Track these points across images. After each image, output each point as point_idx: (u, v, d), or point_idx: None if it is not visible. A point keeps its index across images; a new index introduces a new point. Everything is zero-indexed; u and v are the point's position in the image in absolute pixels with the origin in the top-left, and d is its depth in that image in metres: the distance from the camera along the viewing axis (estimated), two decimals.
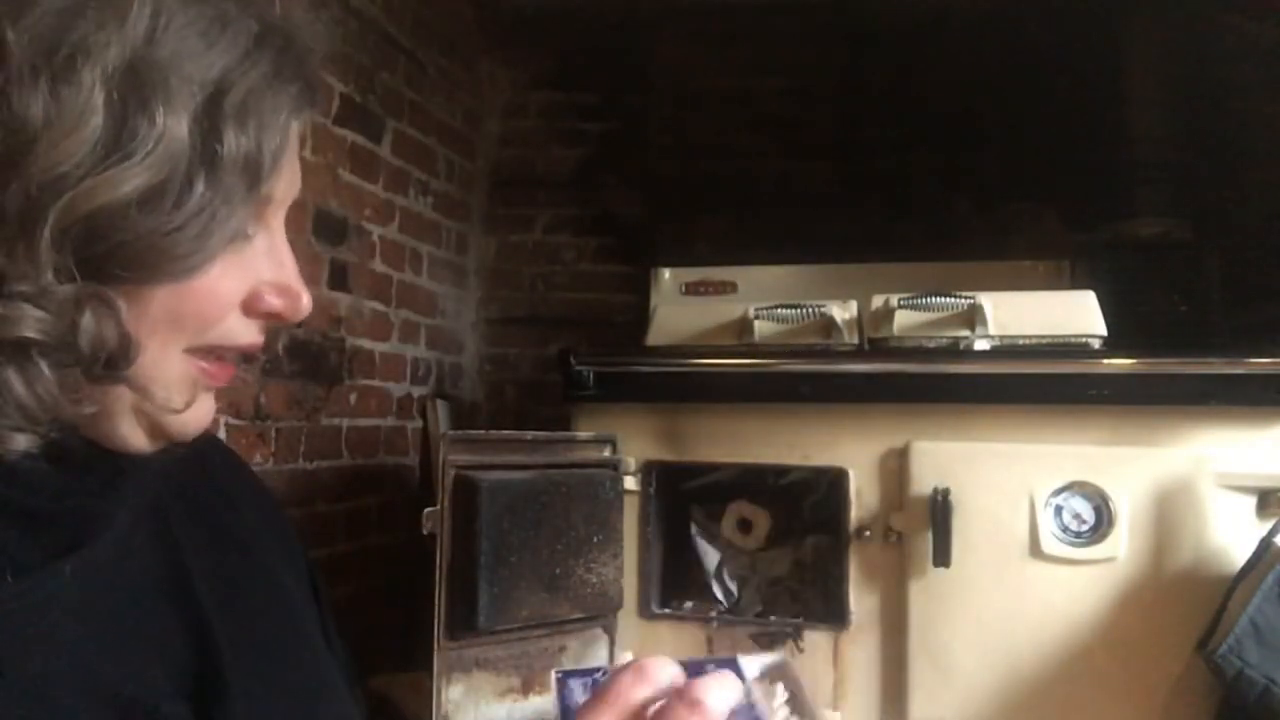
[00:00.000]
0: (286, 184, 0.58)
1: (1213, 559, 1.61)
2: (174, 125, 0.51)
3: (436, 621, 1.53)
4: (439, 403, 2.65)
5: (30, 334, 0.49)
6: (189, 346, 0.56)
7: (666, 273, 2.44)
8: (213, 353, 0.58)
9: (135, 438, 0.56)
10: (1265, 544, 1.54)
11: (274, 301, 0.58)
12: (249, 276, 0.57)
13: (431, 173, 2.63)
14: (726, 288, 2.38)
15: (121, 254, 0.51)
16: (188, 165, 0.52)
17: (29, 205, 0.48)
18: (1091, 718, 1.64)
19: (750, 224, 2.82)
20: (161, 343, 0.55)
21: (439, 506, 1.55)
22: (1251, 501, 1.63)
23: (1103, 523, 1.66)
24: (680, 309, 2.18)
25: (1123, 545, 1.65)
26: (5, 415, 0.49)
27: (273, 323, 0.60)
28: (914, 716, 1.71)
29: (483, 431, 1.76)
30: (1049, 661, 1.65)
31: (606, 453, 1.84)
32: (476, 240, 2.95)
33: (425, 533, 1.56)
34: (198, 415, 0.59)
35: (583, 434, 1.85)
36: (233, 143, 0.53)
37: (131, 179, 0.50)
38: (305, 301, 0.59)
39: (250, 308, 0.58)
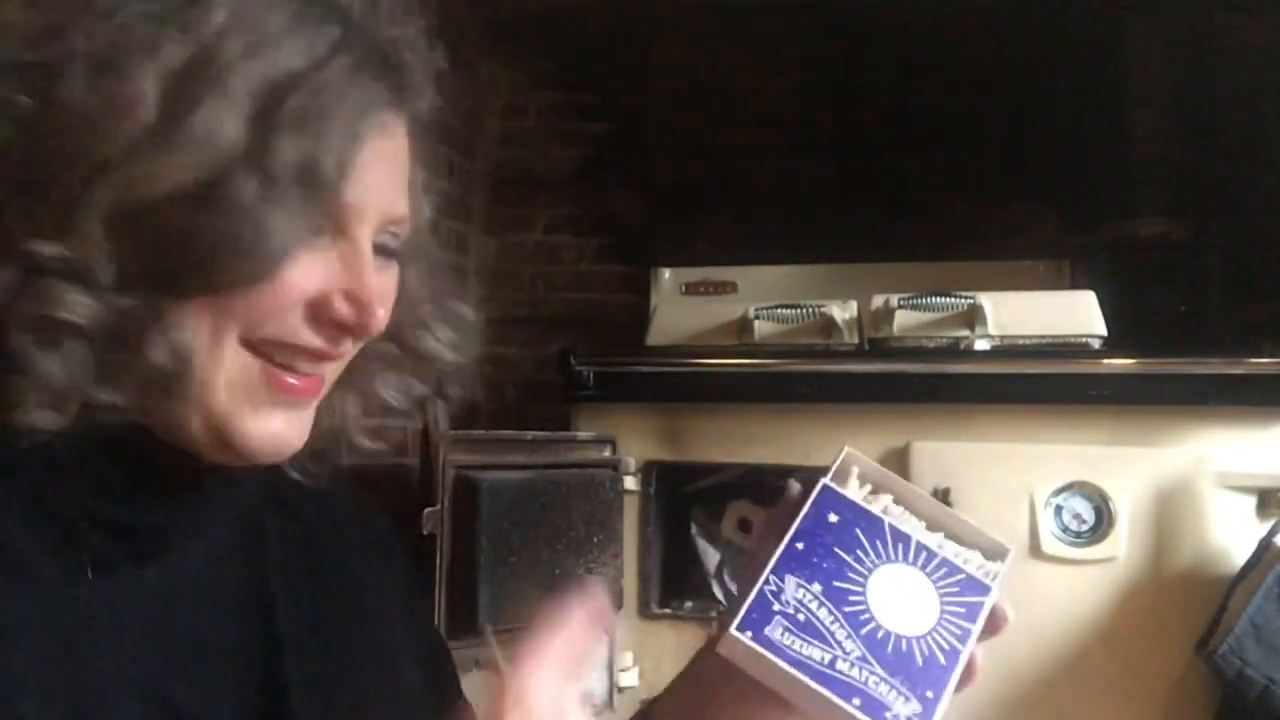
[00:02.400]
0: (367, 192, 0.56)
1: (1213, 559, 1.61)
2: (225, 123, 0.50)
3: (436, 621, 1.53)
4: (439, 403, 2.65)
5: (69, 317, 0.49)
6: (245, 337, 0.54)
7: (666, 273, 2.45)
8: (276, 354, 0.55)
9: (199, 442, 0.55)
10: (1265, 544, 1.54)
11: (342, 308, 0.55)
12: (318, 279, 0.55)
13: (431, 173, 2.63)
14: (726, 288, 2.38)
15: (174, 257, 0.51)
16: (241, 167, 0.51)
17: (74, 187, 0.49)
18: (1091, 718, 1.64)
19: (750, 224, 2.81)
20: (211, 328, 0.53)
21: (439, 506, 1.55)
22: (1251, 501, 1.63)
23: (1103, 523, 1.66)
24: (680, 309, 2.19)
25: (1123, 545, 1.65)
26: (33, 391, 0.49)
27: (340, 334, 0.57)
28: None
29: (483, 431, 1.76)
30: (1049, 661, 1.65)
31: (606, 453, 1.84)
32: (476, 240, 2.95)
33: (425, 533, 1.56)
34: (269, 429, 0.56)
35: (583, 434, 1.85)
36: (289, 147, 0.51)
37: (174, 173, 0.49)
38: (378, 315, 0.56)
39: (318, 313, 0.55)
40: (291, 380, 0.56)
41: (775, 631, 0.56)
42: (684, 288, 2.41)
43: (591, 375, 1.90)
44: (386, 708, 0.67)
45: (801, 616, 0.57)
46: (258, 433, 0.55)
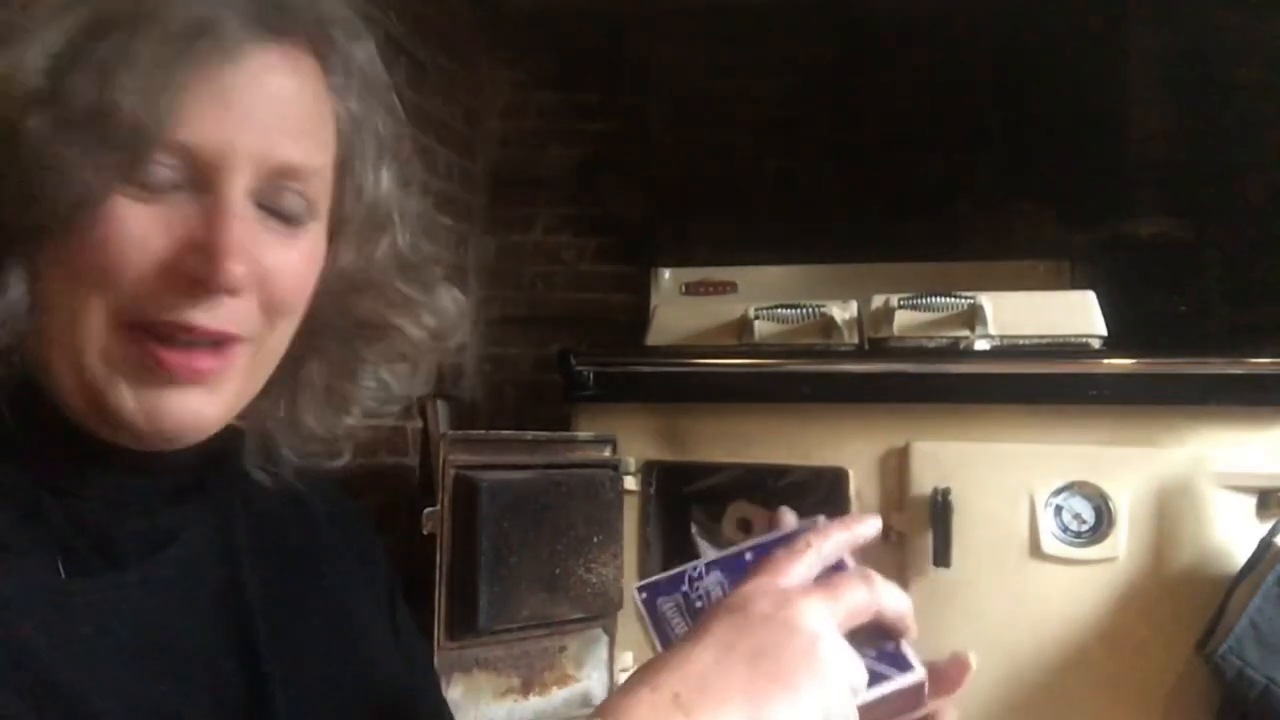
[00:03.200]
0: (222, 135, 0.52)
1: (1213, 559, 1.61)
2: (26, 60, 0.49)
3: (436, 621, 1.53)
4: (439, 403, 2.65)
5: None
6: (117, 315, 0.52)
7: (666, 273, 2.44)
8: (160, 330, 0.53)
9: (88, 418, 0.54)
10: (1265, 544, 1.54)
11: (189, 262, 0.52)
12: (167, 236, 0.52)
13: (431, 173, 2.63)
14: (726, 288, 2.38)
15: None
16: (38, 106, 0.49)
17: None
18: (1091, 718, 1.64)
19: (750, 224, 2.81)
20: (73, 302, 0.52)
21: (439, 506, 1.55)
22: (1251, 501, 1.63)
23: (1103, 523, 1.66)
24: (680, 309, 2.18)
25: (1123, 545, 1.64)
26: None
27: (196, 294, 0.52)
28: None
29: (483, 431, 1.76)
30: (1049, 661, 1.65)
31: (606, 453, 1.84)
32: (476, 240, 2.95)
33: (425, 533, 1.55)
34: (159, 409, 0.54)
35: (583, 434, 1.85)
36: (89, 84, 0.49)
37: None
38: (227, 267, 0.51)
39: (172, 275, 0.52)
40: (171, 356, 0.53)
41: (666, 605, 0.60)
42: (684, 288, 2.41)
43: (591, 375, 1.90)
44: (367, 711, 0.66)
45: (699, 605, 0.59)
46: (141, 411, 0.53)
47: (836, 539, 0.58)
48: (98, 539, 0.54)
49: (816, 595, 0.52)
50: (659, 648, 0.59)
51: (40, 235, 0.51)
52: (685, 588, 0.61)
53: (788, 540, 0.58)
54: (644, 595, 0.61)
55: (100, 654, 0.52)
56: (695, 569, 0.61)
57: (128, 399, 0.53)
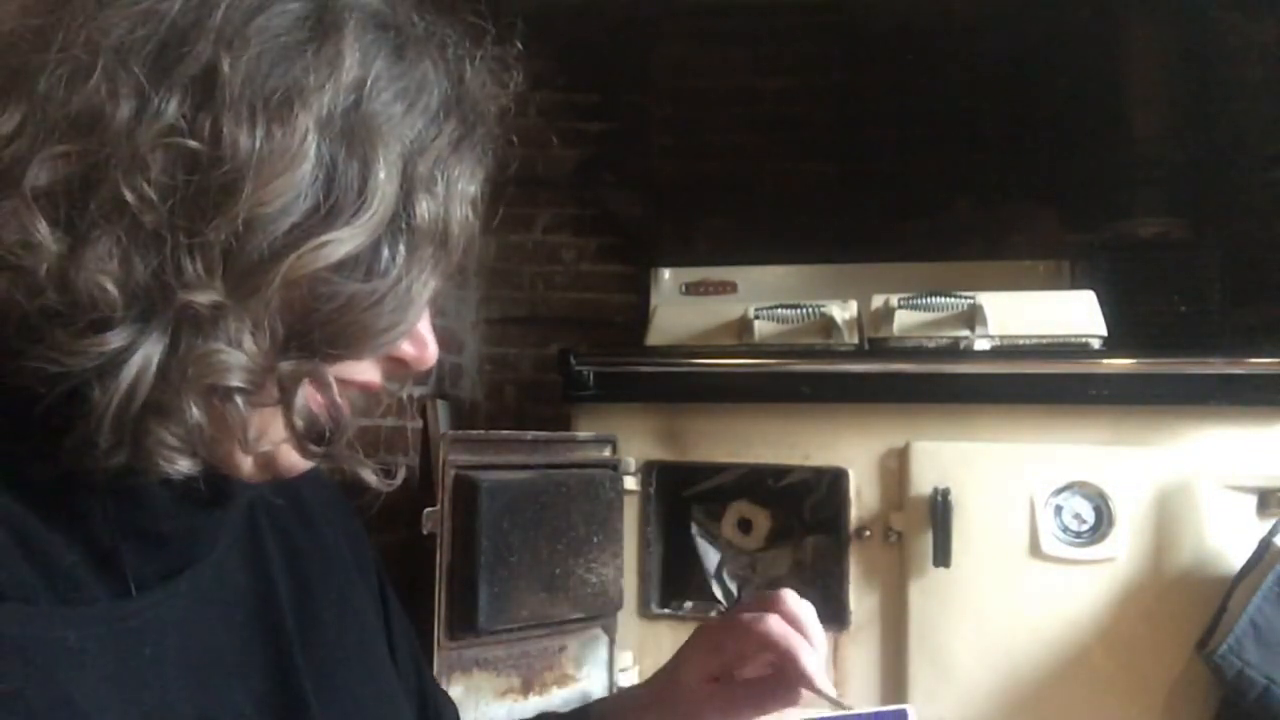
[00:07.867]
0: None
1: (1213, 559, 1.61)
2: (386, 186, 0.49)
3: (436, 621, 1.53)
4: (439, 403, 2.65)
5: (234, 383, 0.48)
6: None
7: (666, 273, 2.44)
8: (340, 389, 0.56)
9: (246, 468, 0.55)
10: (1265, 544, 1.54)
11: (405, 348, 0.57)
12: None
13: None
14: (726, 288, 2.38)
15: (327, 327, 0.50)
16: (391, 231, 0.50)
17: (239, 247, 0.47)
18: (1091, 718, 1.64)
19: (750, 224, 2.81)
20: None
21: (439, 506, 1.55)
22: (1251, 501, 1.63)
23: (1103, 523, 1.66)
24: (680, 309, 2.18)
25: (1123, 545, 1.65)
26: (177, 439, 0.49)
27: (397, 370, 0.58)
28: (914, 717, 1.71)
29: (483, 431, 1.76)
30: (1049, 661, 1.65)
31: (606, 453, 1.84)
32: (476, 240, 2.94)
33: (425, 533, 1.56)
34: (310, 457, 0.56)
35: (583, 434, 1.85)
36: (425, 209, 0.52)
37: (347, 239, 0.48)
38: (432, 351, 0.58)
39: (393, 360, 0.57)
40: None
41: None
42: (684, 288, 2.41)
43: (591, 375, 1.90)
44: (382, 699, 0.68)
45: None
46: (304, 461, 0.56)
47: None
48: (154, 549, 0.54)
49: None
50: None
51: (353, 356, 0.54)
52: None
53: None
54: None
55: (165, 669, 0.52)
56: None
57: (297, 454, 0.55)
